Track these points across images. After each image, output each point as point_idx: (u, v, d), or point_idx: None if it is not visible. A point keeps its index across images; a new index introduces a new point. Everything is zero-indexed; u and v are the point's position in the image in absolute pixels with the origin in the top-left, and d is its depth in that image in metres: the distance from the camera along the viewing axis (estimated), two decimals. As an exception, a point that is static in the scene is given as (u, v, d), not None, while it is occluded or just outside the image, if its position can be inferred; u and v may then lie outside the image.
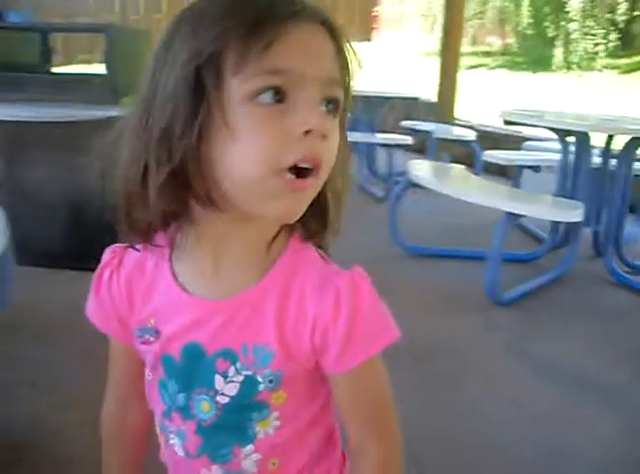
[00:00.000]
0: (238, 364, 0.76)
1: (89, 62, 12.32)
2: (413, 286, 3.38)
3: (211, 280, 0.77)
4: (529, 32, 13.55)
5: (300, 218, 0.72)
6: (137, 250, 0.80)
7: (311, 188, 0.70)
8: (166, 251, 0.78)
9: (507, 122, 3.93)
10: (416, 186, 3.75)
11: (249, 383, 0.77)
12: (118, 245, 0.83)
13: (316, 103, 0.68)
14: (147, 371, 0.85)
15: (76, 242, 3.22)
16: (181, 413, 0.81)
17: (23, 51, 3.95)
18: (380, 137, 5.69)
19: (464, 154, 5.89)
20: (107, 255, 0.84)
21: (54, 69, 4.49)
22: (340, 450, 0.90)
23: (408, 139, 5.53)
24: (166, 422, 0.83)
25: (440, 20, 8.95)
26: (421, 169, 3.96)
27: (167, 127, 0.66)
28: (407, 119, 6.68)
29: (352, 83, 0.73)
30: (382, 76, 10.84)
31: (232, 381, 0.77)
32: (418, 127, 6.24)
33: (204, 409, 0.79)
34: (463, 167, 4.30)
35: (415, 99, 6.53)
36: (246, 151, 0.66)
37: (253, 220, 0.73)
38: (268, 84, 0.65)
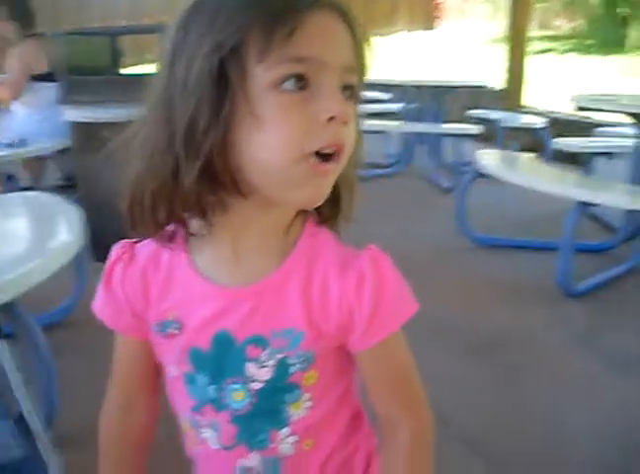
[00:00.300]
0: (269, 349, 0.77)
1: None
2: (482, 278, 3.34)
3: (232, 267, 0.78)
4: (600, 12, 13.12)
5: None
6: (158, 243, 0.79)
7: (332, 172, 0.71)
8: (181, 242, 0.78)
9: (579, 108, 3.82)
10: (483, 176, 3.70)
11: (282, 366, 0.77)
12: (126, 240, 0.84)
13: (337, 89, 0.69)
14: (171, 368, 0.83)
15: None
16: (213, 405, 0.81)
17: (94, 55, 4.06)
18: (446, 127, 5.62)
19: (533, 142, 5.76)
20: (116, 250, 0.84)
21: (124, 70, 4.59)
22: (367, 427, 0.91)
23: (475, 128, 5.45)
24: (197, 417, 0.83)
25: (506, 5, 8.77)
26: (488, 158, 3.90)
27: (191, 121, 0.67)
28: (474, 108, 6.58)
29: (366, 72, 0.74)
30: (447, 65, 10.70)
31: (265, 366, 0.77)
32: (485, 116, 6.14)
33: (237, 398, 0.79)
34: (532, 155, 4.22)
35: (481, 87, 6.42)
36: (272, 138, 0.67)
37: (274, 206, 0.74)
38: (292, 72, 0.67)
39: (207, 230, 0.75)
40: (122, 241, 0.84)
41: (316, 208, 0.76)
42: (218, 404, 0.80)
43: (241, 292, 0.77)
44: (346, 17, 0.71)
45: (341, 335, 0.78)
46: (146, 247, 0.82)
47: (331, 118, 0.68)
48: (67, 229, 2.22)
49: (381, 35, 14.02)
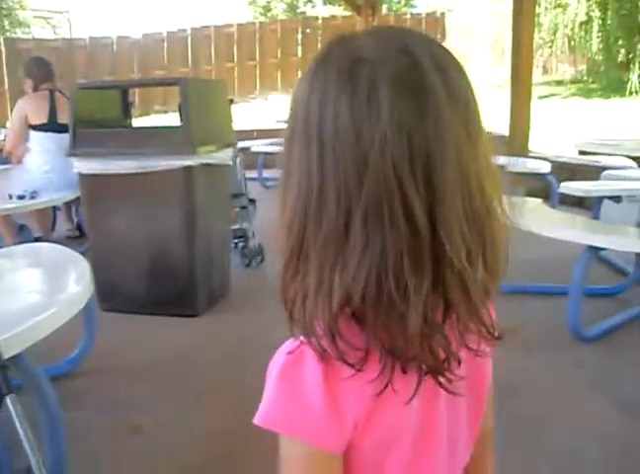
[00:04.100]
0: None
1: (165, 112, 12.76)
2: (492, 324, 3.30)
3: None
4: (601, 57, 13.29)
5: None
6: None
7: None
8: None
9: (582, 153, 3.84)
10: (491, 221, 3.69)
11: None
12: None
13: None
14: None
15: (156, 289, 3.29)
16: None
17: (105, 108, 4.12)
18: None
19: (539, 187, 5.77)
20: None
21: (133, 122, 4.65)
22: None
23: (481, 174, 5.47)
24: None
25: (509, 51, 8.88)
26: (495, 204, 3.89)
27: None
28: (479, 154, 6.59)
29: None
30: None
31: None
32: (490, 162, 6.16)
33: None
34: (539, 200, 4.22)
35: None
36: None
37: None
38: None
39: None
40: None
41: None
42: None
43: None
44: None
45: None
46: None
47: None
48: (76, 280, 2.23)
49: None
